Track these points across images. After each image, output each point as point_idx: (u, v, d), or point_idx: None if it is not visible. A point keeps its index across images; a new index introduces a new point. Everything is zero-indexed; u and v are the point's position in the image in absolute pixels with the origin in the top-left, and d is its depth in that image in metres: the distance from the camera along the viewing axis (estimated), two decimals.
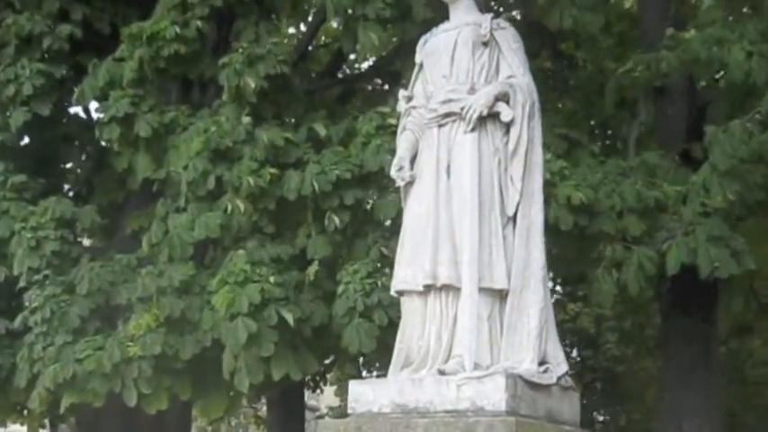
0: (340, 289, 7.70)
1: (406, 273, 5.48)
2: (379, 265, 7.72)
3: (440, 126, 5.60)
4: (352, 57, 11.72)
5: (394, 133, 8.20)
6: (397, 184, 5.74)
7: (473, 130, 5.45)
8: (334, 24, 10.55)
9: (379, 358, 9.14)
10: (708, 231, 7.59)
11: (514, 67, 5.63)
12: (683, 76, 9.75)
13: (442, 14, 9.03)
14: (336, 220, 7.79)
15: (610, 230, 7.90)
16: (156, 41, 8.55)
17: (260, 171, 7.90)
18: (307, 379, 14.78)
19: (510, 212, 5.40)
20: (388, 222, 8.03)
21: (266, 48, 8.32)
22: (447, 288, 5.31)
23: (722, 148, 7.68)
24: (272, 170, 7.92)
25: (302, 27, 12.23)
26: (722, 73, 9.34)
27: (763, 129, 8.09)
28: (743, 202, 8.10)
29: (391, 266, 7.75)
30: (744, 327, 15.01)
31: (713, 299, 9.66)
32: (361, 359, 13.92)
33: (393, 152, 7.92)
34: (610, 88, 9.60)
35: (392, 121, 8.26)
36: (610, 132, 11.83)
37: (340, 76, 11.92)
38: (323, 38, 12.30)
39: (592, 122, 11.70)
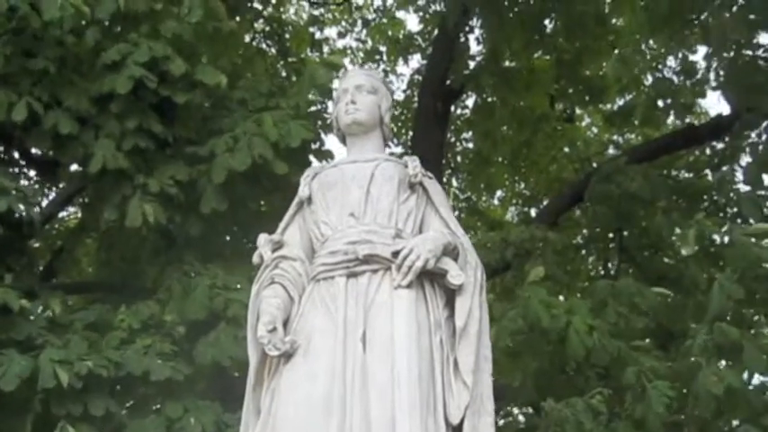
0: None
1: None
2: None
3: (350, 276, 3.68)
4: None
5: (168, 335, 6.16)
6: (271, 354, 3.61)
7: (409, 286, 3.61)
8: None
9: None
10: None
11: (453, 225, 3.98)
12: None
13: (237, 211, 7.42)
14: None
15: None
16: None
17: None
18: None
19: (454, 420, 3.47)
20: None
21: (12, 184, 5.98)
22: None
23: (577, 426, 6.31)
24: None
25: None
26: None
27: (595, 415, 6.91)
28: None
29: None
30: None
31: None
32: None
33: (165, 356, 5.90)
34: None
35: (167, 318, 6.13)
36: None
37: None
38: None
39: None
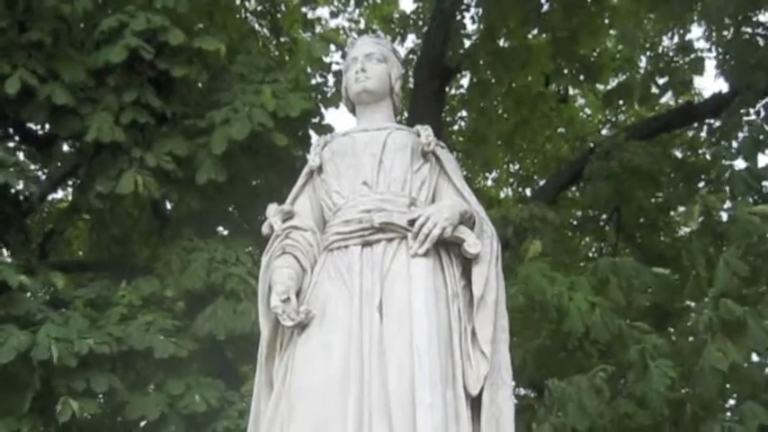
0: None
1: None
2: None
3: (365, 245, 3.60)
4: None
5: (169, 310, 6.07)
6: (285, 324, 3.52)
7: (426, 254, 3.52)
8: None
9: None
10: None
11: (467, 194, 3.90)
12: None
13: (234, 187, 7.33)
14: (75, 406, 5.11)
15: None
16: None
17: None
18: None
19: (473, 391, 3.39)
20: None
21: (11, 158, 5.86)
22: None
23: (579, 405, 6.25)
24: None
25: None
26: None
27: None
28: None
29: None
30: None
31: None
32: None
33: (167, 332, 5.80)
34: None
35: (168, 293, 6.04)
36: None
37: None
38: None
39: None
